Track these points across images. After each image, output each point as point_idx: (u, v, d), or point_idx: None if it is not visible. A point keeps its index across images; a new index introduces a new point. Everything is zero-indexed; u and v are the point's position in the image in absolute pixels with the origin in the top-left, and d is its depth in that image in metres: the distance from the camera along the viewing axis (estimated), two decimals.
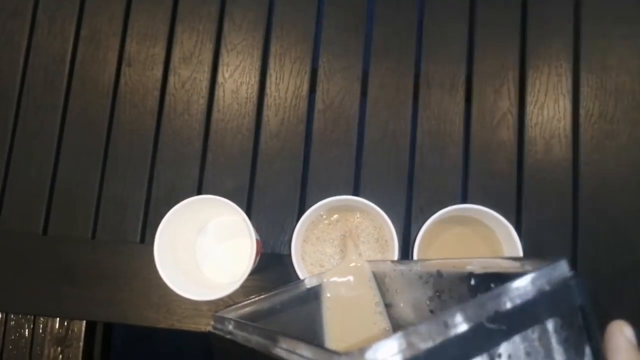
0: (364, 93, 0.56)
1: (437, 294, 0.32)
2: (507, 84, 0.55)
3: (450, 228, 0.48)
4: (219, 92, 0.56)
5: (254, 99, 0.56)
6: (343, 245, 0.47)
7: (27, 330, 0.57)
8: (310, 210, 0.45)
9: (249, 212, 0.53)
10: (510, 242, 0.44)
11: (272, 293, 0.38)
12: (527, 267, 0.25)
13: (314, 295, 0.40)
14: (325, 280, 0.41)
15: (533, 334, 0.21)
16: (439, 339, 0.19)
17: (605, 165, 0.52)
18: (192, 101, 0.56)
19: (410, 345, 0.19)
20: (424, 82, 0.55)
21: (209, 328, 0.35)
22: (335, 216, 0.48)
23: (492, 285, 0.27)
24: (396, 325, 0.38)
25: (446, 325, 0.20)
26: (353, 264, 0.42)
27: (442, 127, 0.54)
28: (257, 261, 0.47)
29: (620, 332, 0.23)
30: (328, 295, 0.40)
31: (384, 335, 0.29)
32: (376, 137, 0.54)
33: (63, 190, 0.55)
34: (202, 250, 0.51)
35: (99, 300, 0.52)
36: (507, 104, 0.54)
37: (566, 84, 0.55)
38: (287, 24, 0.57)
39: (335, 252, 0.47)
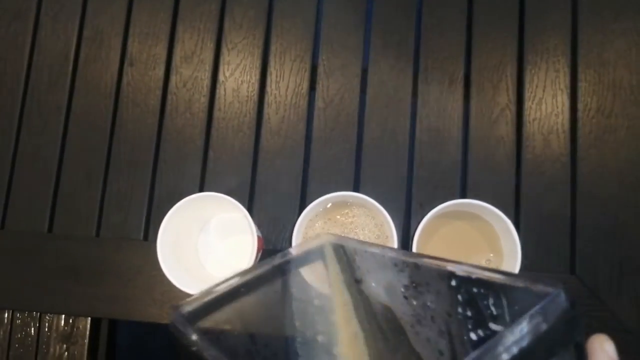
0: (363, 90, 0.56)
1: (413, 284, 0.30)
2: (505, 80, 0.55)
3: (449, 223, 0.48)
4: (220, 91, 0.57)
5: (255, 97, 0.57)
6: None
7: (33, 328, 0.58)
8: (311, 207, 0.45)
9: (250, 209, 0.54)
10: (509, 237, 0.44)
11: (236, 274, 0.32)
12: (519, 282, 0.24)
13: (280, 273, 0.35)
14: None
15: None
16: None
17: (603, 160, 0.53)
18: (193, 100, 0.57)
19: None
20: (422, 79, 0.56)
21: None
22: (336, 212, 0.49)
23: (475, 290, 0.26)
24: (367, 302, 0.35)
25: None
26: (316, 239, 0.37)
27: (441, 123, 0.55)
28: (258, 257, 0.48)
29: (601, 349, 0.22)
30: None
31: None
32: (376, 134, 0.55)
33: (67, 189, 0.55)
34: (205, 247, 0.52)
35: (104, 297, 0.53)
36: (505, 99, 0.55)
37: (564, 79, 0.55)
38: (287, 22, 0.58)
39: None
